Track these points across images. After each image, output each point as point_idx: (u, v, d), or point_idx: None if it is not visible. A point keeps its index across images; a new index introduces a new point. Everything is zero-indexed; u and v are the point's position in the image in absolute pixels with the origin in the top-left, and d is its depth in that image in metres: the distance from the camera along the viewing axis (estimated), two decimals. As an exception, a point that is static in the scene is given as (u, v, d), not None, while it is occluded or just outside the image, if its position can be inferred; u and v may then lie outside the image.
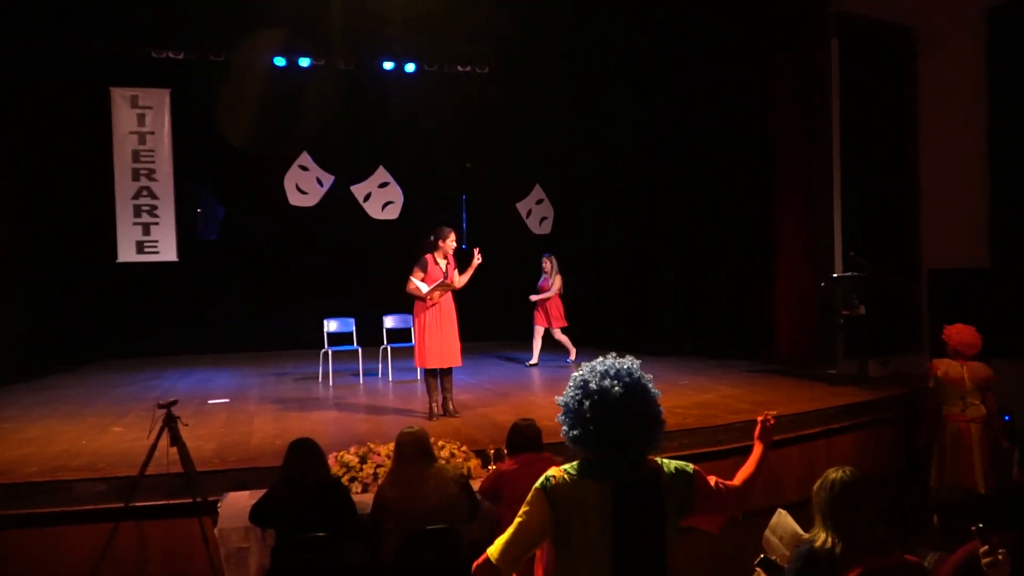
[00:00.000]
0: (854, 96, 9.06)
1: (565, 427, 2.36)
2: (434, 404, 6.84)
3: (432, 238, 6.92)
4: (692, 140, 10.52)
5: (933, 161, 9.18)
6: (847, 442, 6.83)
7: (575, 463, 2.37)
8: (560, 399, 2.38)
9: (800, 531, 3.70)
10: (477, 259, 6.82)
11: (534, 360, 10.02)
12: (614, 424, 2.27)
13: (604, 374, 2.32)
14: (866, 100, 9.11)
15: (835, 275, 8.53)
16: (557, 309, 9.91)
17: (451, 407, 6.91)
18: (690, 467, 2.45)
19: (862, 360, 8.26)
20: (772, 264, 9.61)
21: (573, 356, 10.00)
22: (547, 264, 9.97)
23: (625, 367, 2.35)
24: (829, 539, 2.79)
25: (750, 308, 10.05)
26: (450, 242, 6.86)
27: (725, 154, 10.14)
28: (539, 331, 10.01)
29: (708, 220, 10.45)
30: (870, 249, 8.60)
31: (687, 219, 10.68)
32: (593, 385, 2.30)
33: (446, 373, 6.91)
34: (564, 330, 9.98)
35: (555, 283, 9.84)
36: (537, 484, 2.35)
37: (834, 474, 2.90)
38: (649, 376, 2.38)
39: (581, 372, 2.38)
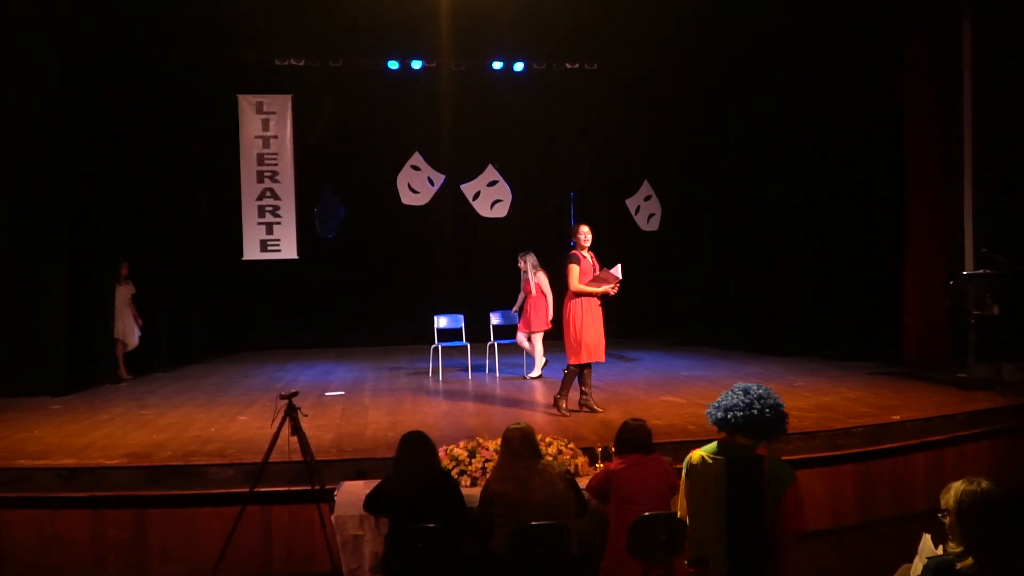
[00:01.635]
0: (989, 82, 8.49)
1: (715, 412, 3.19)
2: (563, 400, 6.80)
3: (573, 235, 6.95)
4: (817, 134, 10.09)
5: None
6: (979, 451, 6.43)
7: (711, 444, 3.19)
8: (720, 401, 3.19)
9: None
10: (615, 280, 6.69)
11: (536, 372, 8.85)
12: (750, 423, 3.12)
13: (758, 396, 3.14)
14: (1002, 86, 8.52)
15: (966, 273, 8.03)
16: (538, 312, 8.72)
17: (591, 403, 6.86)
18: (792, 473, 3.15)
19: (996, 363, 7.74)
20: (900, 261, 9.15)
21: (536, 372, 8.83)
22: (522, 263, 8.86)
23: (770, 397, 3.15)
24: (969, 558, 2.61)
25: (876, 308, 9.59)
26: (581, 236, 6.83)
27: (852, 149, 9.70)
28: (522, 338, 8.99)
29: (833, 216, 10.00)
30: (1006, 246, 8.05)
31: (810, 216, 10.26)
32: (747, 399, 3.14)
33: (586, 368, 6.87)
34: (546, 334, 8.85)
35: (536, 283, 8.73)
36: (683, 464, 3.23)
37: (972, 486, 2.66)
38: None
39: (745, 385, 3.20)
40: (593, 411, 6.81)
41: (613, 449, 4.27)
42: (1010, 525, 2.61)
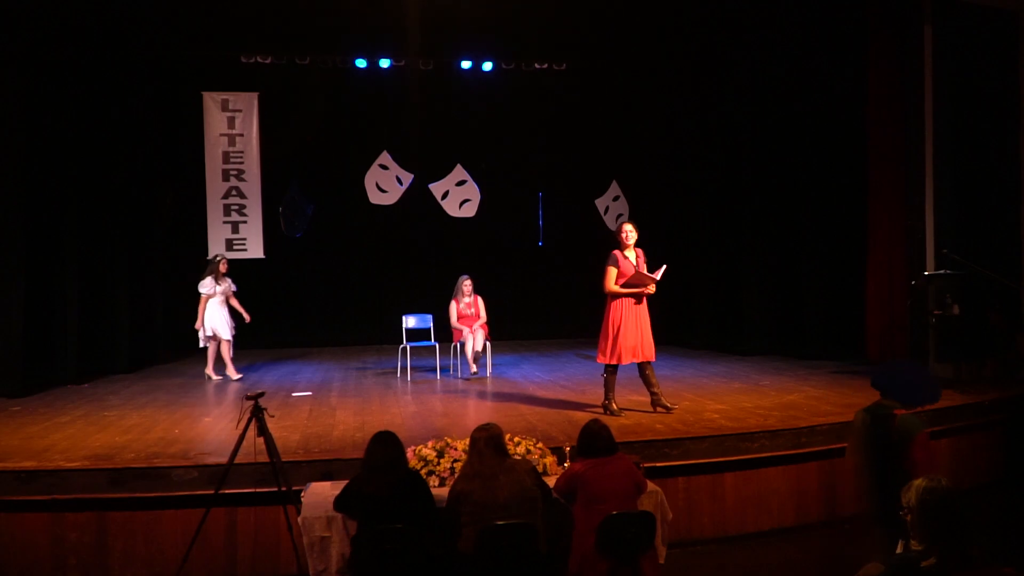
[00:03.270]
0: (950, 85, 8.68)
1: (878, 378, 4.12)
2: (613, 401, 6.75)
3: (616, 235, 6.86)
4: (780, 134, 10.24)
5: (1037, 153, 8.72)
6: (941, 448, 6.56)
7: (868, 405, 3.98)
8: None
9: None
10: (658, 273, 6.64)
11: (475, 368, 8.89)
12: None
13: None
14: (963, 89, 8.72)
15: (927, 273, 8.19)
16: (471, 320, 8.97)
17: (663, 400, 6.73)
18: (919, 428, 3.82)
19: (956, 363, 7.91)
20: (862, 262, 9.31)
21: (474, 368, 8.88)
22: (470, 286, 9.06)
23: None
24: (932, 556, 2.67)
25: (839, 307, 9.75)
26: (624, 235, 6.74)
27: (815, 149, 9.85)
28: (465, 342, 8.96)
29: (798, 217, 10.15)
30: (967, 246, 8.23)
31: (775, 215, 10.40)
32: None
33: (646, 368, 6.76)
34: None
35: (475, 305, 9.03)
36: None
37: (933, 484, 2.77)
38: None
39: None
40: (668, 410, 6.65)
41: (567, 449, 4.30)
42: (970, 522, 2.67)
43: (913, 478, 3.21)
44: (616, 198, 12.83)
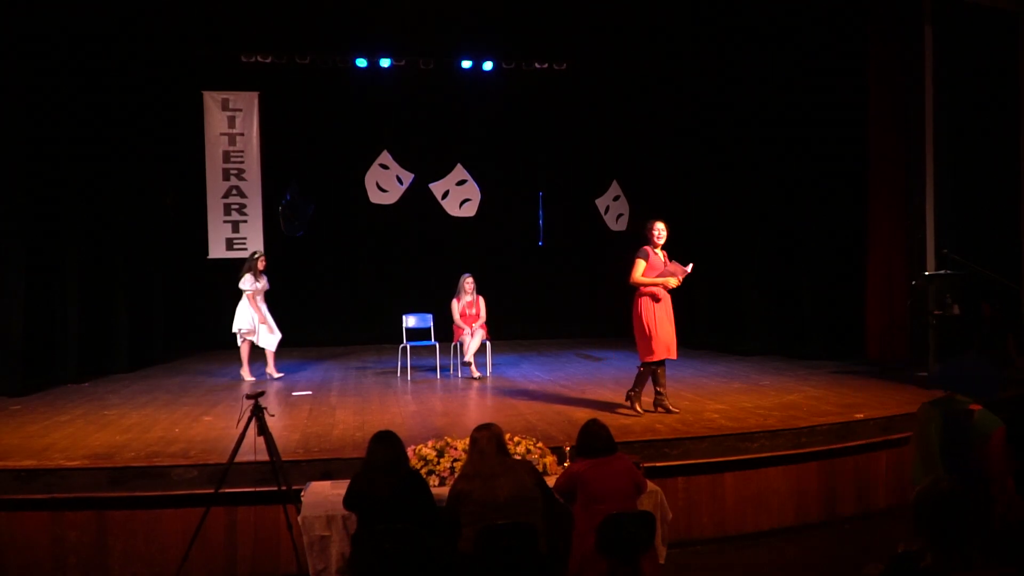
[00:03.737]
0: (951, 85, 8.68)
1: (945, 377, 4.08)
2: (639, 398, 6.73)
3: (645, 232, 6.81)
4: (781, 134, 10.24)
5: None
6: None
7: (936, 399, 3.93)
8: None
9: None
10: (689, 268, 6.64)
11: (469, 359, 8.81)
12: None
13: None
14: (963, 88, 8.72)
15: (927, 273, 8.19)
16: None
17: (666, 402, 6.71)
18: (997, 424, 3.70)
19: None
20: (863, 262, 9.30)
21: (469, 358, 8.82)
22: (471, 284, 9.04)
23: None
24: (928, 556, 2.67)
25: (839, 308, 9.74)
26: (654, 233, 6.69)
27: (816, 149, 9.86)
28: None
29: (797, 216, 10.15)
30: (967, 246, 8.22)
31: (775, 215, 10.41)
32: None
33: (660, 367, 6.74)
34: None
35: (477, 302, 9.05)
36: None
37: (930, 483, 2.75)
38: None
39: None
40: (669, 411, 6.64)
41: (567, 449, 4.29)
42: (968, 522, 2.66)
43: (988, 474, 3.46)
44: (616, 198, 12.84)
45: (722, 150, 11.03)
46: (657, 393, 6.78)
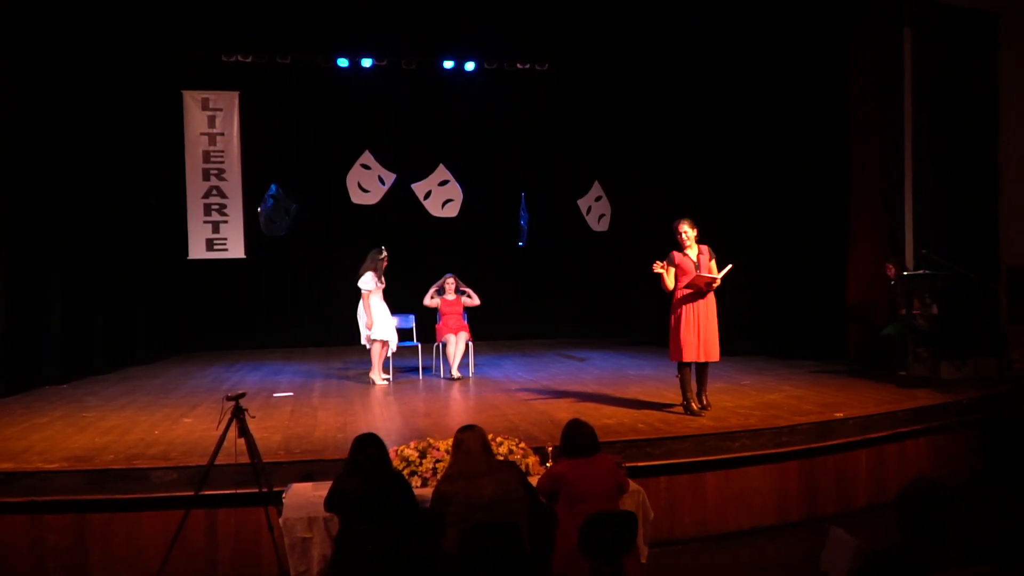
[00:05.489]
0: (930, 88, 8.78)
1: None
2: (691, 399, 6.71)
3: (674, 236, 6.77)
4: (761, 136, 10.32)
5: (1014, 155, 8.85)
6: (920, 447, 6.66)
7: None
8: None
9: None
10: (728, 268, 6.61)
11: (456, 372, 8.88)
12: None
13: None
14: (942, 91, 8.82)
15: (906, 272, 8.29)
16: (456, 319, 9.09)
17: (705, 400, 6.73)
18: None
19: (934, 362, 8.01)
20: (842, 261, 9.41)
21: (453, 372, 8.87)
22: (452, 284, 9.18)
23: None
24: (905, 549, 2.70)
25: (820, 308, 9.83)
26: (681, 235, 6.67)
27: (796, 150, 9.95)
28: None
29: (777, 216, 10.25)
30: (945, 246, 8.33)
31: (757, 216, 10.49)
32: None
33: (702, 367, 6.74)
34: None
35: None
36: None
37: (919, 482, 2.81)
38: None
39: None
40: (704, 408, 6.67)
41: (549, 449, 4.30)
42: (949, 521, 2.70)
43: None
44: (599, 198, 12.88)
45: (703, 151, 11.09)
46: (697, 390, 6.76)
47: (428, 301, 9.18)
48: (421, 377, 9.11)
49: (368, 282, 8.52)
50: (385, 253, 8.67)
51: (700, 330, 6.58)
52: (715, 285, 6.59)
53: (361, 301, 8.57)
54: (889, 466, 6.42)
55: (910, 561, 2.66)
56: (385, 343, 8.67)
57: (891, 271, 8.60)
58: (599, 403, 7.22)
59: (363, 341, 8.72)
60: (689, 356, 6.61)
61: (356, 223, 12.05)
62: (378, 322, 8.55)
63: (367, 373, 8.89)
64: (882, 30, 8.98)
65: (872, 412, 6.55)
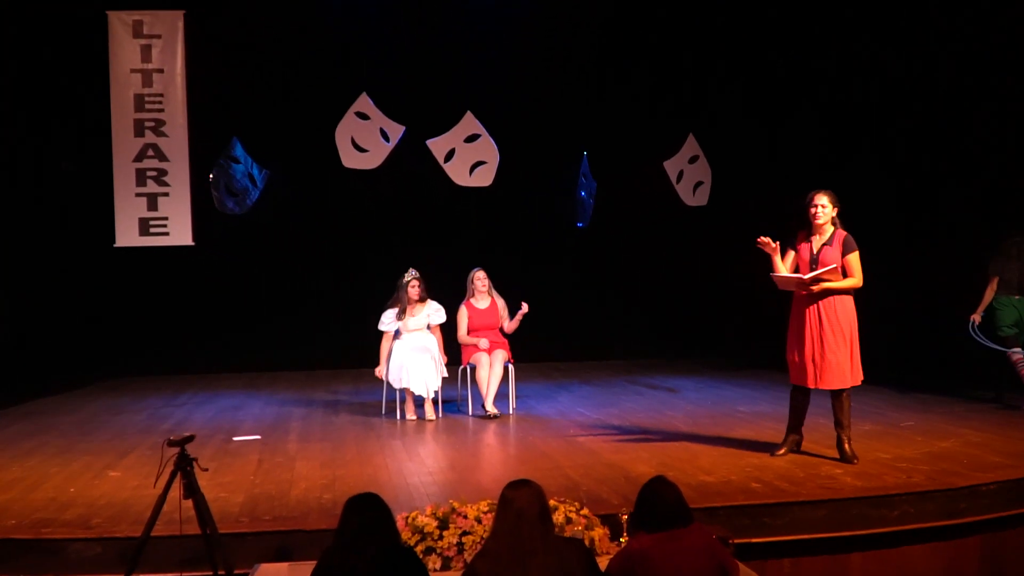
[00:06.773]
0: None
1: None
2: (786, 441, 6.93)
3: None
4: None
5: None
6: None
7: None
8: None
9: None
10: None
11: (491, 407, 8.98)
12: None
13: None
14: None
15: None
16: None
17: (848, 449, 6.69)
18: None
19: None
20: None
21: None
22: (484, 281, 9.34)
23: None
24: None
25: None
26: (813, 210, 6.62)
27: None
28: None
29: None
30: None
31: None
32: None
33: (835, 398, 6.74)
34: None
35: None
36: None
37: None
38: None
39: None
40: (850, 460, 6.67)
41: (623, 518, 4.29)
42: None
43: None
44: (694, 159, 12.66)
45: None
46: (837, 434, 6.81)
47: (463, 333, 9.13)
48: (441, 414, 9.14)
49: (386, 323, 8.94)
50: (410, 277, 8.94)
51: (811, 343, 6.61)
52: (815, 288, 6.55)
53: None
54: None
55: None
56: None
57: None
58: (694, 452, 7.18)
59: (376, 373, 9.11)
60: (795, 377, 6.72)
61: (349, 196, 12.13)
62: (395, 369, 8.81)
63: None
64: None
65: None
